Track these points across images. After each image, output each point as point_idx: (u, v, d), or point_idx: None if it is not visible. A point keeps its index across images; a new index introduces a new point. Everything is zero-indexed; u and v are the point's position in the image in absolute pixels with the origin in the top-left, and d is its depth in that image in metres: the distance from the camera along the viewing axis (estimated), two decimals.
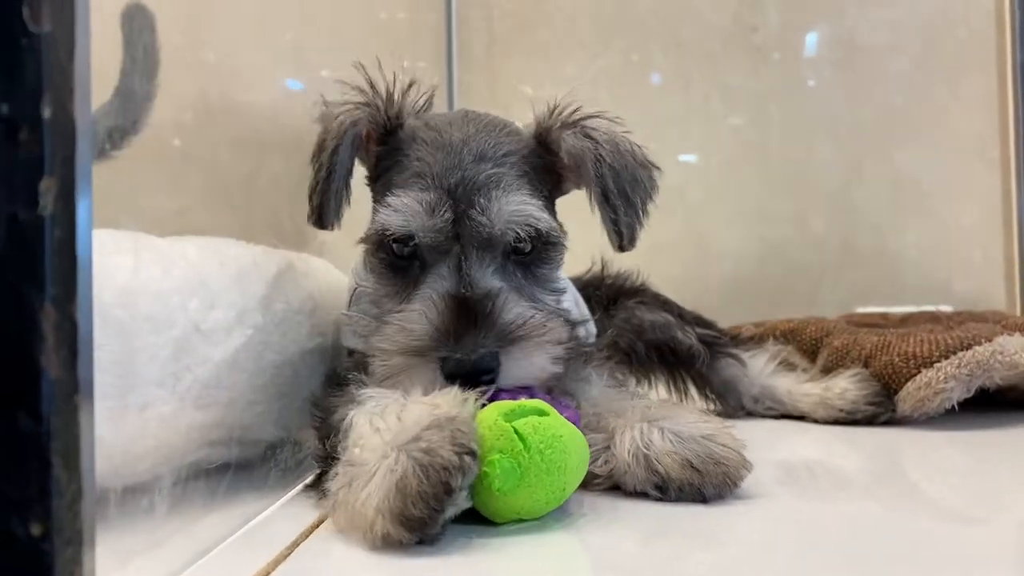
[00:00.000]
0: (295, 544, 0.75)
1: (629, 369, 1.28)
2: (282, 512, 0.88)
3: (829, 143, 2.39)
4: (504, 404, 0.80)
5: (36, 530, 0.40)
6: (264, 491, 0.92)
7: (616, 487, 0.88)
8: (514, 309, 0.87)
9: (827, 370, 1.41)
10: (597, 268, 1.40)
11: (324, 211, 0.95)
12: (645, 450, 0.84)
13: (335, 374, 0.98)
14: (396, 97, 0.97)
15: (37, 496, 0.40)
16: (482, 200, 0.90)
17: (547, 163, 1.00)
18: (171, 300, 0.82)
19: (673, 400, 1.36)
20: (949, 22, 2.34)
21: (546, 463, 0.75)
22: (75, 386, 0.42)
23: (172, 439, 0.81)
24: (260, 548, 0.73)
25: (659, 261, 2.23)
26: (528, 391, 0.86)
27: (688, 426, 0.85)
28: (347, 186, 0.97)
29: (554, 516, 0.80)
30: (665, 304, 1.39)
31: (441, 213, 0.89)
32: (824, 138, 2.39)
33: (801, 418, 1.37)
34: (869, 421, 1.30)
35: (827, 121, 2.39)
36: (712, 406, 1.40)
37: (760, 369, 1.40)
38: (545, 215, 0.94)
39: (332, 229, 0.97)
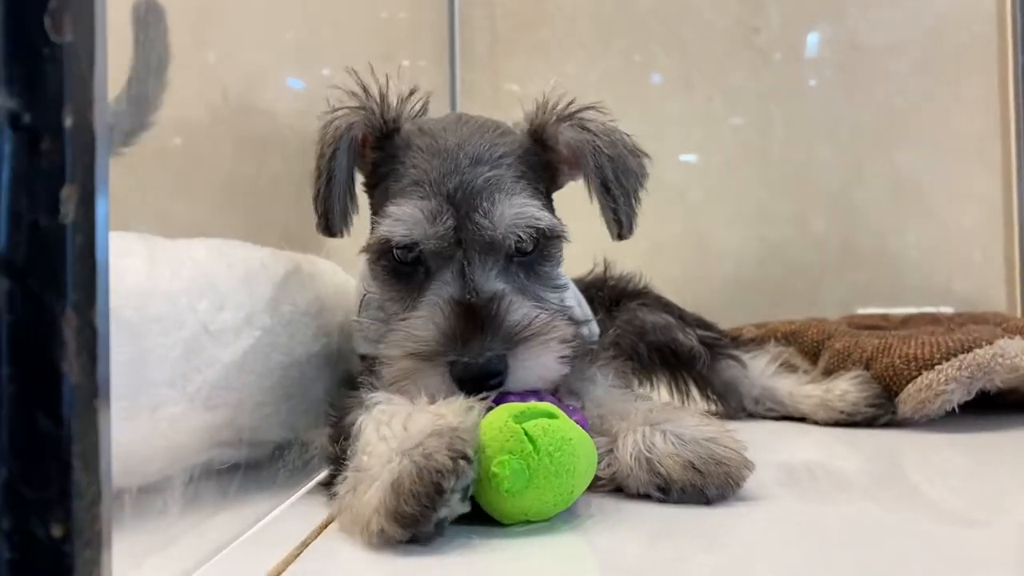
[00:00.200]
0: (305, 544, 0.76)
1: (631, 370, 1.28)
2: (291, 511, 0.89)
3: (830, 144, 2.40)
4: (514, 406, 0.81)
5: (57, 531, 0.41)
6: (273, 491, 0.93)
7: (620, 489, 0.89)
8: (519, 310, 0.88)
9: (828, 372, 1.41)
10: (600, 270, 1.40)
11: (330, 218, 0.95)
12: (647, 453, 0.85)
13: (351, 377, 0.99)
14: (393, 102, 0.97)
15: (58, 498, 0.41)
16: (484, 204, 0.90)
17: (542, 159, 1.01)
18: (180, 301, 0.83)
19: (675, 402, 1.37)
20: (950, 24, 2.34)
21: (555, 465, 0.76)
22: (95, 390, 0.43)
23: (182, 440, 0.81)
24: (271, 547, 0.74)
25: (659, 261, 2.25)
26: (536, 393, 0.87)
27: (690, 428, 0.86)
28: (351, 192, 0.97)
29: (560, 517, 0.81)
30: (667, 306, 1.40)
31: (443, 220, 0.89)
32: (825, 139, 2.40)
33: (802, 420, 1.37)
34: (869, 423, 1.31)
35: (828, 122, 2.39)
36: (713, 407, 1.41)
37: (761, 371, 1.41)
38: (546, 213, 0.95)
39: (341, 236, 0.97)
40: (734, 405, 1.40)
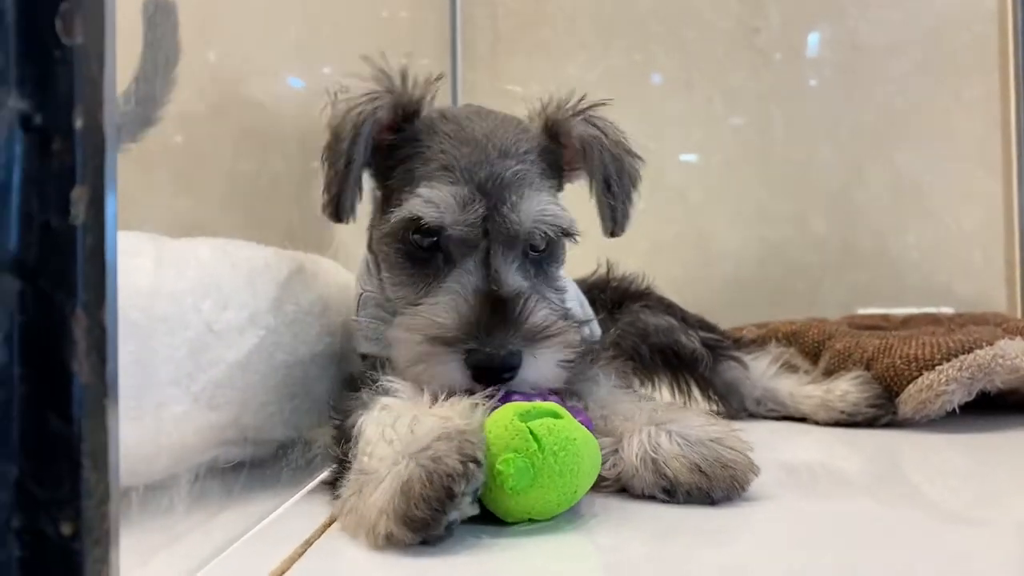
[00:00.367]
0: (309, 542, 0.76)
1: (632, 370, 1.29)
2: (295, 510, 0.89)
3: (830, 144, 2.40)
4: (519, 405, 0.81)
5: (67, 529, 0.41)
6: (277, 489, 0.93)
7: (625, 489, 0.89)
8: (541, 312, 0.89)
9: (829, 372, 1.42)
10: (602, 271, 1.41)
11: (341, 203, 0.94)
12: (653, 454, 0.85)
13: (352, 378, 0.99)
14: (417, 84, 0.97)
15: (68, 496, 0.42)
16: (512, 198, 0.91)
17: (556, 157, 1.02)
18: (185, 301, 0.84)
19: (679, 403, 1.37)
20: (951, 24, 2.34)
21: (559, 465, 0.77)
22: (104, 390, 0.43)
23: (187, 438, 0.82)
24: (275, 545, 0.75)
25: (660, 261, 2.26)
26: (540, 393, 0.87)
27: (695, 429, 0.86)
28: (360, 177, 0.97)
29: (564, 517, 0.81)
30: (669, 308, 1.40)
31: (473, 209, 0.90)
32: (825, 139, 2.40)
33: (803, 420, 1.38)
34: (870, 423, 1.31)
35: (828, 122, 2.39)
36: (715, 408, 1.41)
37: (762, 371, 1.41)
38: (566, 213, 0.96)
39: (347, 222, 0.97)
40: (736, 406, 1.40)
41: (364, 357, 1.02)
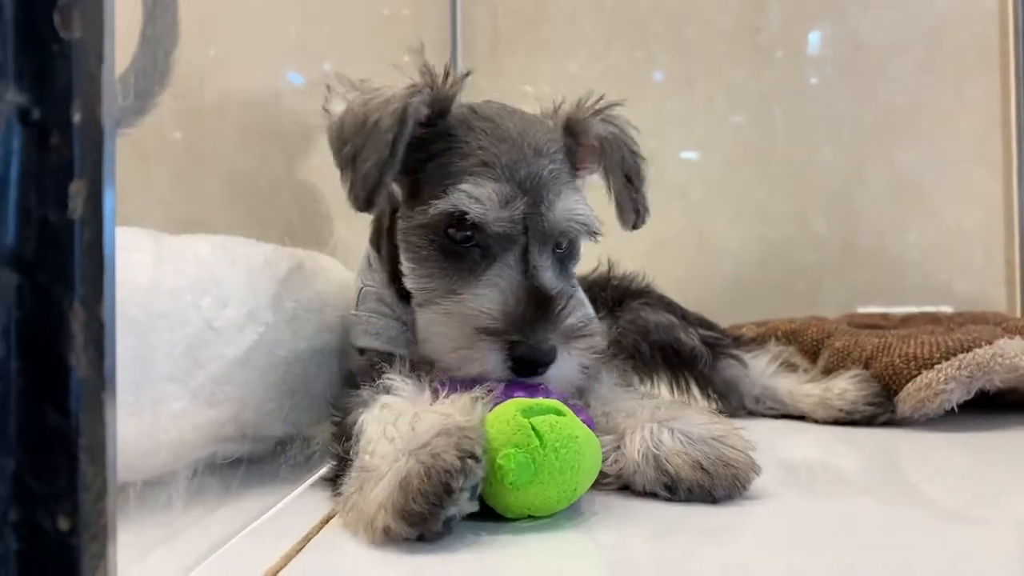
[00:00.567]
0: (307, 538, 0.76)
1: (633, 368, 1.29)
2: (294, 506, 0.89)
3: (831, 143, 2.39)
4: (522, 401, 0.81)
5: (64, 524, 0.41)
6: (275, 485, 0.93)
7: (626, 487, 0.89)
8: (578, 312, 0.92)
9: (828, 371, 1.42)
10: (603, 269, 1.41)
11: (377, 192, 0.91)
12: (655, 450, 0.85)
13: (351, 375, 0.99)
14: (454, 81, 0.97)
15: (65, 491, 0.42)
16: (550, 196, 0.94)
17: (573, 156, 1.04)
18: (184, 298, 0.84)
19: (681, 400, 1.37)
20: (952, 23, 2.33)
21: (560, 462, 0.77)
22: (102, 384, 0.43)
23: (185, 435, 0.82)
24: (273, 541, 0.74)
25: (661, 259, 2.26)
26: (545, 390, 0.88)
27: (698, 427, 0.86)
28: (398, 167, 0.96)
29: (565, 514, 0.81)
30: (669, 306, 1.40)
31: (516, 206, 0.91)
32: (826, 138, 2.39)
33: (801, 418, 1.38)
34: (868, 421, 1.31)
35: (829, 121, 2.39)
36: (714, 406, 1.40)
37: (762, 370, 1.41)
38: (593, 212, 0.99)
39: (374, 212, 0.97)
40: (735, 404, 1.40)
41: (361, 352, 1.02)
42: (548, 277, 0.93)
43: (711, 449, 0.84)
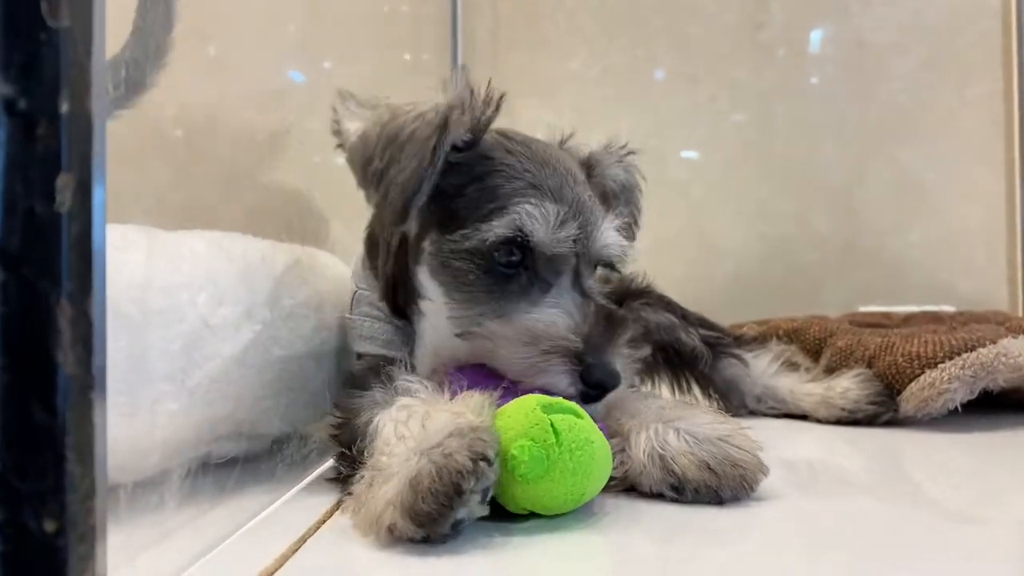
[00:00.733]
0: (304, 538, 0.75)
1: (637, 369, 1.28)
2: (290, 506, 0.88)
3: (833, 142, 2.38)
4: (542, 397, 0.80)
5: (50, 526, 0.40)
6: (271, 485, 0.92)
7: (633, 487, 0.88)
8: (630, 333, 0.93)
9: (830, 370, 1.41)
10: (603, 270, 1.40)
11: (415, 200, 0.88)
12: (661, 450, 0.84)
13: (354, 376, 0.98)
14: (492, 107, 0.94)
15: (52, 491, 0.40)
16: (595, 221, 0.95)
17: None
18: (180, 295, 0.82)
19: (686, 400, 1.36)
20: (956, 22, 2.32)
21: (573, 463, 0.76)
22: (90, 381, 0.42)
23: (181, 434, 0.81)
24: (269, 542, 0.73)
25: (661, 258, 2.25)
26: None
27: (704, 427, 0.85)
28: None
29: (573, 515, 0.80)
30: (669, 305, 1.40)
31: (571, 227, 0.91)
32: (828, 137, 2.39)
33: (803, 417, 1.37)
34: (871, 421, 1.30)
35: (831, 119, 2.38)
36: (715, 405, 1.39)
37: (763, 369, 1.40)
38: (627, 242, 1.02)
39: (407, 225, 0.95)
40: (736, 403, 1.39)
41: (359, 356, 1.01)
42: (600, 300, 0.94)
43: (718, 449, 0.83)
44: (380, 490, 0.71)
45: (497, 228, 0.89)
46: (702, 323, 1.41)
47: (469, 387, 0.82)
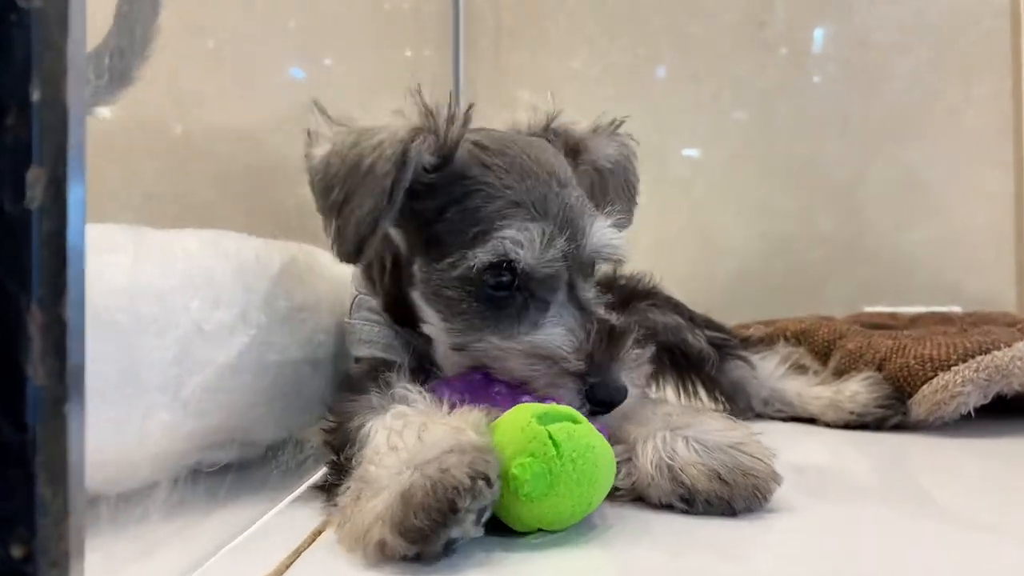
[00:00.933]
0: (297, 552, 0.72)
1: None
2: (283, 517, 0.84)
3: (837, 140, 2.37)
4: (536, 406, 0.76)
5: (17, 551, 0.37)
6: (265, 493, 0.88)
7: (640, 498, 0.84)
8: (632, 347, 0.89)
9: (839, 373, 1.38)
10: (609, 269, 1.36)
11: (369, 242, 0.84)
12: (669, 460, 0.80)
13: (349, 379, 0.95)
14: (455, 122, 0.90)
15: (20, 514, 0.37)
16: (584, 226, 0.91)
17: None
18: (173, 300, 0.79)
19: (695, 405, 1.32)
20: (961, 20, 2.30)
21: (577, 473, 0.72)
22: (64, 394, 0.39)
23: (173, 445, 0.77)
24: (261, 556, 0.70)
25: (664, 256, 2.23)
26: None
27: (714, 434, 0.82)
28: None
29: (578, 529, 0.77)
30: (676, 307, 1.37)
31: (557, 244, 0.88)
32: (831, 135, 2.37)
33: (811, 421, 1.34)
34: (879, 424, 1.28)
35: (836, 118, 2.36)
36: (721, 408, 1.38)
37: (770, 372, 1.38)
38: (624, 238, 0.97)
39: (361, 263, 0.92)
40: (742, 406, 1.37)
41: (358, 360, 0.98)
42: (598, 311, 0.91)
43: (728, 458, 0.80)
44: (368, 504, 0.67)
45: (481, 255, 0.86)
46: (709, 324, 1.38)
47: (458, 398, 0.79)
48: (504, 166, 0.90)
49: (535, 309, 0.88)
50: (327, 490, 0.80)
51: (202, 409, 0.79)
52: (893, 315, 2.07)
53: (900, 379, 1.28)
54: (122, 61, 0.87)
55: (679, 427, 0.83)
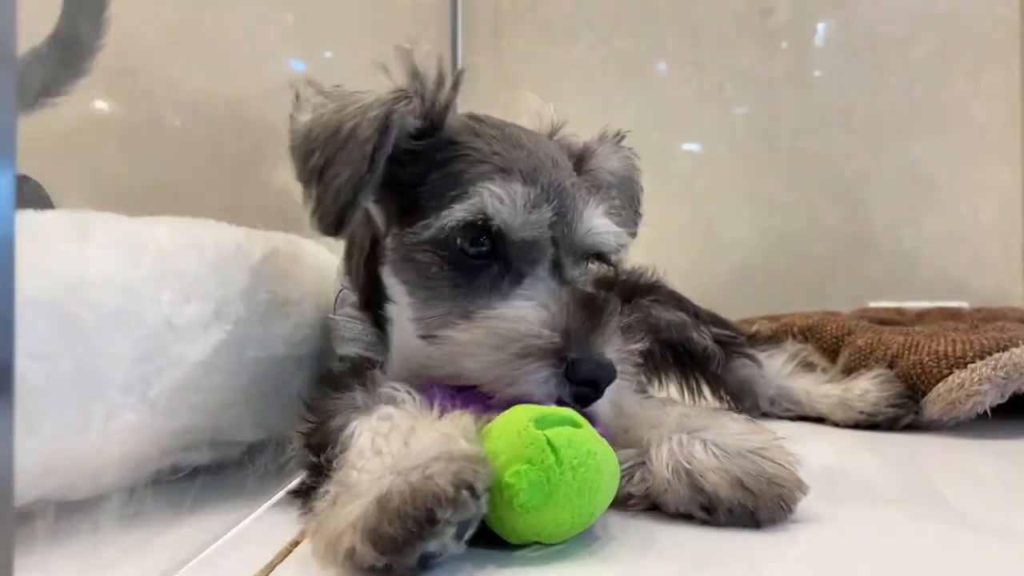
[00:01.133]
0: (271, 565, 0.66)
1: (644, 370, 1.20)
2: (259, 525, 0.78)
3: (842, 132, 2.34)
4: (535, 408, 0.70)
5: None
6: (240, 499, 0.83)
7: (652, 507, 0.78)
8: (618, 316, 0.80)
9: (848, 370, 1.34)
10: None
11: (349, 213, 0.79)
12: (687, 465, 0.74)
13: (331, 376, 0.89)
14: (444, 88, 0.85)
15: None
16: (578, 207, 0.85)
17: None
18: (141, 293, 0.73)
19: (709, 407, 1.27)
20: (970, 11, 2.28)
21: (578, 482, 0.66)
22: None
23: (141, 448, 0.72)
24: (229, 571, 0.65)
25: (666, 250, 2.20)
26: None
27: (735, 438, 0.76)
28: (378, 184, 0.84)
29: (579, 541, 0.71)
30: (680, 302, 1.33)
31: (543, 210, 0.81)
32: (837, 127, 2.34)
33: (819, 420, 1.30)
34: (891, 424, 1.23)
35: (841, 109, 2.34)
36: (727, 408, 1.33)
37: (777, 370, 1.34)
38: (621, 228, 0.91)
39: (343, 237, 0.85)
40: (748, 405, 1.33)
41: (342, 359, 0.92)
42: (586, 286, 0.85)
43: (751, 464, 0.73)
44: (344, 509, 0.62)
45: (457, 212, 0.79)
46: (714, 321, 1.34)
47: (450, 401, 0.74)
48: (496, 136, 0.85)
49: (509, 282, 0.81)
50: (304, 494, 0.74)
51: (172, 409, 0.74)
52: (900, 310, 2.03)
53: (913, 377, 1.24)
54: (72, 53, 0.82)
55: (696, 429, 0.77)
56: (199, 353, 0.77)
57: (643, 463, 0.78)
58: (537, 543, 0.69)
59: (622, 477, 0.75)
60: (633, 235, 1.03)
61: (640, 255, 1.38)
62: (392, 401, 0.76)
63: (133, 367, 0.70)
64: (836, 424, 1.28)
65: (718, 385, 1.33)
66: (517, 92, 2.35)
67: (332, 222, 0.79)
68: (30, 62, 0.83)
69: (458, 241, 0.80)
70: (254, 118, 1.27)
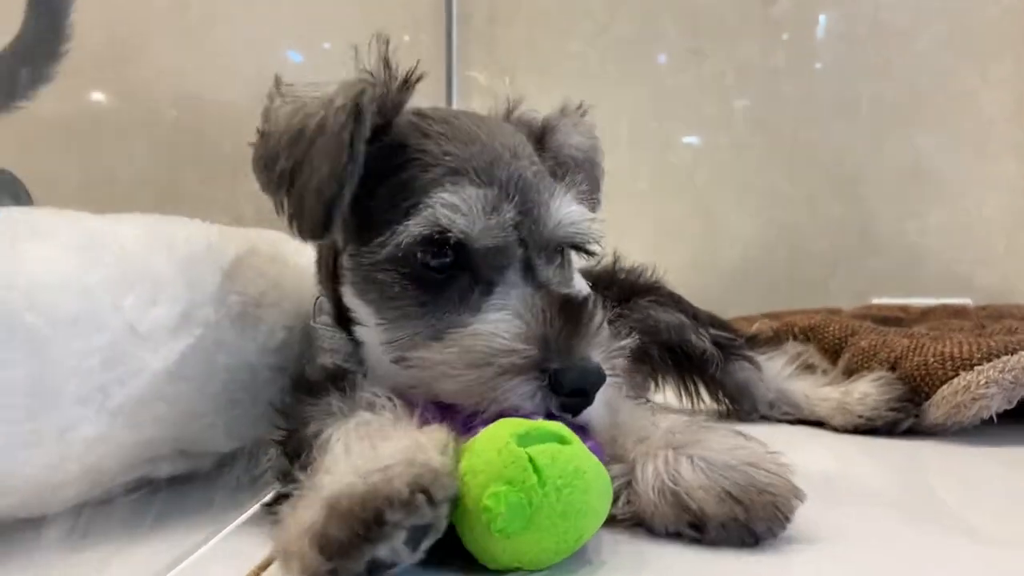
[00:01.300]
0: None
1: (641, 372, 1.17)
2: (228, 543, 0.74)
3: (846, 124, 2.32)
4: (516, 422, 0.66)
5: None
6: (208, 515, 0.78)
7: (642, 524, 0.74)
8: (601, 315, 0.76)
9: (850, 372, 1.31)
10: (608, 260, 1.29)
11: (333, 211, 0.75)
12: (673, 485, 0.70)
13: (307, 381, 0.84)
14: (396, 83, 0.80)
15: None
16: (544, 197, 0.80)
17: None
18: (101, 297, 0.69)
19: (700, 419, 1.23)
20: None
21: (562, 504, 0.62)
22: None
23: (103, 462, 0.68)
24: None
25: (665, 244, 2.17)
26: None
27: (722, 453, 0.72)
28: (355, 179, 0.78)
29: (567, 565, 0.66)
30: (679, 303, 1.30)
31: (504, 212, 0.76)
32: (840, 119, 2.31)
33: (820, 424, 1.26)
34: (890, 429, 1.19)
35: (844, 101, 2.31)
36: (726, 410, 1.32)
37: (777, 372, 1.31)
38: (596, 220, 0.86)
39: (327, 238, 0.80)
40: (747, 408, 1.31)
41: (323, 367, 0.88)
42: (563, 288, 0.80)
43: (740, 475, 0.69)
44: (304, 513, 0.58)
45: (412, 227, 0.74)
46: (713, 323, 1.31)
47: (431, 414, 0.70)
48: (446, 134, 0.80)
49: (479, 294, 0.76)
50: (276, 505, 0.70)
51: (136, 421, 0.70)
52: (904, 307, 2.01)
53: (917, 378, 1.20)
54: (36, 58, 0.80)
55: (683, 445, 0.73)
56: (165, 360, 0.73)
57: (629, 482, 0.74)
58: (520, 569, 0.64)
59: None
60: (594, 208, 0.97)
61: (639, 248, 1.35)
62: (371, 407, 0.72)
63: (90, 376, 0.66)
64: (835, 429, 1.24)
65: (716, 388, 1.30)
66: (516, 83, 2.32)
67: (318, 223, 0.75)
68: None
69: (418, 256, 0.76)
70: (250, 109, 1.24)
